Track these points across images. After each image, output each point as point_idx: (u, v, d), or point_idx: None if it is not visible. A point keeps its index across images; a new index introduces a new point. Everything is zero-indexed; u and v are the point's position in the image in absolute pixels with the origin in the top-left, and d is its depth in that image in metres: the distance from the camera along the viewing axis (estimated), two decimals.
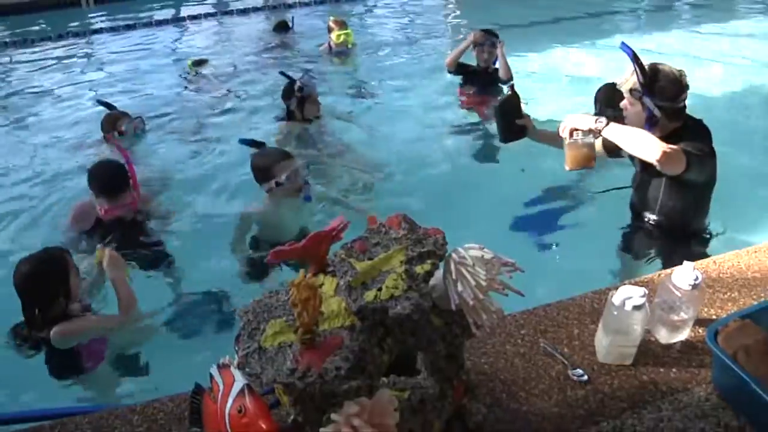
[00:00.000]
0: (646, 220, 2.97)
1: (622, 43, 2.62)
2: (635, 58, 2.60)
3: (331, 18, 6.73)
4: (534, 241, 3.48)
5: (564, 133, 2.78)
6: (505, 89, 2.78)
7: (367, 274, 1.06)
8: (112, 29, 9.10)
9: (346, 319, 1.08)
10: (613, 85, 4.18)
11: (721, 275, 1.94)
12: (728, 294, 1.86)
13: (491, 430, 1.41)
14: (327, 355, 1.02)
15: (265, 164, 3.21)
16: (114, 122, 4.69)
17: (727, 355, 1.42)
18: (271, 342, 1.06)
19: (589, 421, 1.43)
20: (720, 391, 1.51)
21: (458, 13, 9.35)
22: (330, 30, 6.56)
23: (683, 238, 2.95)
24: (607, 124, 2.62)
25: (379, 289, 1.03)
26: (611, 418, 1.44)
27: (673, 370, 1.58)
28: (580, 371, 1.55)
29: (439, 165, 4.22)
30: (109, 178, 3.22)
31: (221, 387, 1.15)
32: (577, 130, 2.73)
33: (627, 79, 2.73)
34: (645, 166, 2.81)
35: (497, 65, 5.08)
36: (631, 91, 2.68)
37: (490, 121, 4.88)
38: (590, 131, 2.69)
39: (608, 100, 4.09)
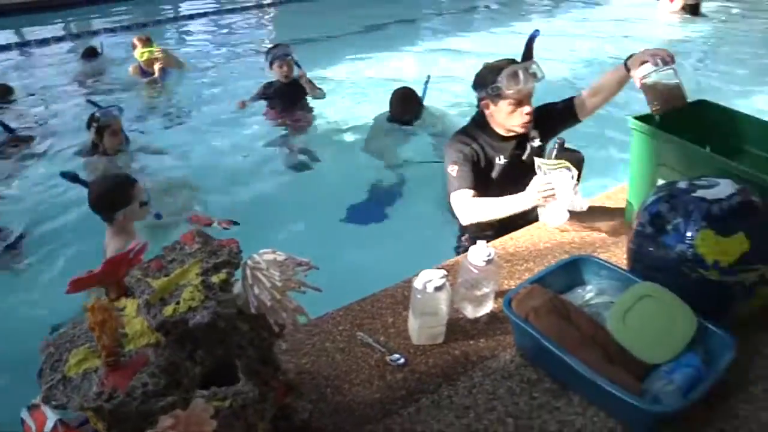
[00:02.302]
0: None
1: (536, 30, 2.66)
2: None
3: (135, 36, 6.38)
4: (352, 237, 3.61)
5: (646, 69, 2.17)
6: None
7: (164, 290, 1.08)
8: None
9: (151, 336, 1.10)
10: (409, 88, 4.51)
11: (517, 249, 2.14)
12: (525, 265, 2.05)
13: (319, 424, 1.47)
14: (133, 373, 1.04)
15: (121, 190, 3.03)
16: None
17: (521, 318, 1.58)
18: (76, 370, 1.05)
19: (410, 399, 1.54)
20: (521, 351, 1.68)
21: (271, 29, 9.38)
22: (134, 47, 6.19)
23: None
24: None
25: (177, 303, 1.06)
26: (429, 393, 1.56)
27: (481, 340, 1.73)
28: (397, 356, 1.66)
29: (255, 181, 4.25)
30: None
31: (33, 429, 1.13)
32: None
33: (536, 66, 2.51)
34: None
35: (296, 75, 5.12)
36: None
37: (300, 133, 5.00)
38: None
39: (404, 107, 4.54)
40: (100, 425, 1.10)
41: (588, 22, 8.81)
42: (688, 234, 1.62)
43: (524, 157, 2.64)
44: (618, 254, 2.07)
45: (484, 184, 2.52)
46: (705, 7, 9.30)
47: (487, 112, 2.60)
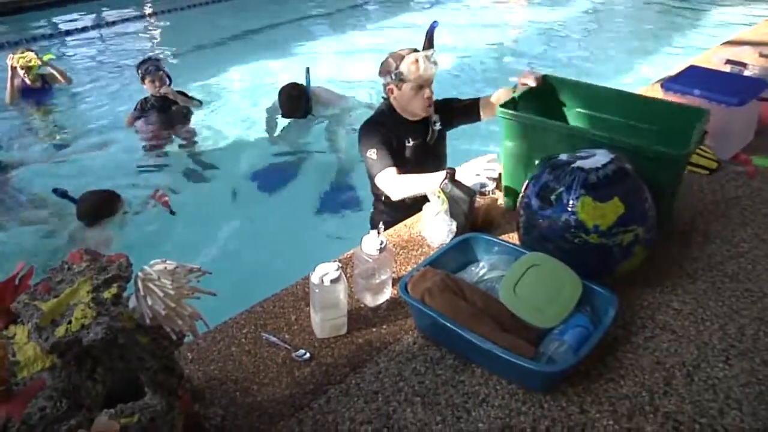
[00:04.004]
0: None
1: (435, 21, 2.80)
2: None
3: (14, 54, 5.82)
4: (251, 239, 3.62)
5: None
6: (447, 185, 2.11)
7: (54, 312, 1.07)
8: None
9: (46, 361, 1.09)
10: (295, 85, 4.63)
11: (412, 236, 2.21)
12: (420, 250, 2.12)
13: (232, 427, 1.49)
14: (28, 400, 1.03)
15: (108, 204, 3.53)
16: None
17: (416, 300, 1.65)
18: None
19: (319, 392, 1.58)
20: (422, 332, 1.75)
21: (156, 40, 9.10)
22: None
23: None
24: None
25: (69, 323, 1.05)
26: (337, 384, 1.60)
27: (384, 327, 1.79)
28: (302, 351, 1.69)
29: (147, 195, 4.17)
30: None
31: None
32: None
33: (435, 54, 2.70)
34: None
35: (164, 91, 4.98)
36: None
37: (184, 143, 4.94)
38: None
39: (292, 105, 4.72)
40: None
41: (459, 12, 9.07)
42: (570, 202, 1.73)
43: (428, 140, 2.83)
44: (507, 230, 2.18)
45: (399, 165, 2.66)
46: None
47: (391, 97, 2.77)
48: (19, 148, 4.94)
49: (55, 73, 5.77)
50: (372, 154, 2.65)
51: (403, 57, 2.65)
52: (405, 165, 2.70)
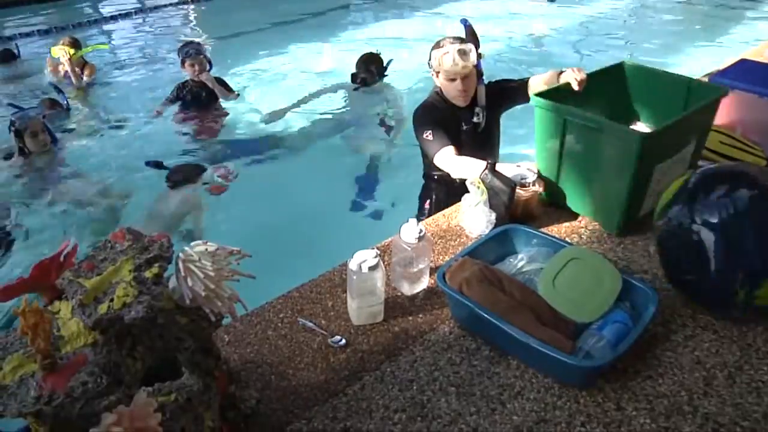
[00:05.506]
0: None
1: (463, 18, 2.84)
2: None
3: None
4: (289, 224, 3.64)
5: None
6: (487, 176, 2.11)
7: (97, 289, 1.09)
8: None
9: (88, 337, 1.11)
10: (372, 54, 4.88)
11: (450, 226, 2.20)
12: (458, 240, 2.11)
13: (267, 410, 1.50)
14: (72, 374, 1.05)
15: (192, 174, 3.97)
16: None
17: (454, 289, 1.64)
18: (11, 377, 1.05)
19: (354, 378, 1.58)
20: (458, 322, 1.74)
21: (198, 25, 9.18)
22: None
23: None
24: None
25: (111, 300, 1.07)
26: (372, 371, 1.60)
27: (420, 315, 1.78)
28: (338, 338, 1.69)
29: None
30: None
31: None
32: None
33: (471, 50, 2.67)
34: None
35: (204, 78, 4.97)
36: (478, 56, 2.72)
37: (216, 131, 4.95)
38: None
39: (367, 64, 4.93)
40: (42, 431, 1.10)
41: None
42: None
43: (475, 128, 2.85)
44: (547, 223, 2.16)
45: (455, 148, 2.66)
46: None
47: (436, 81, 2.83)
48: (65, 128, 5.04)
49: (69, 70, 5.77)
50: (428, 135, 2.67)
51: (439, 47, 2.68)
52: (460, 148, 2.69)
